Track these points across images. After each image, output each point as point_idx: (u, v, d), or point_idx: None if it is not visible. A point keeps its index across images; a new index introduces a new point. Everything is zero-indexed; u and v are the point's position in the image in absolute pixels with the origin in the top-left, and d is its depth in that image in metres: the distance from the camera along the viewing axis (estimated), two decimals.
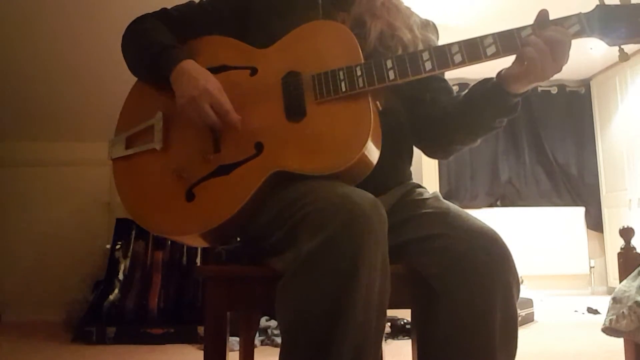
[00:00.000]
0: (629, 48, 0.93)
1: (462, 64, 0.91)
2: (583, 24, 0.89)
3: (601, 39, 0.90)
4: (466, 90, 1.04)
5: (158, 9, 1.15)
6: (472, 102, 1.02)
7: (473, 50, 0.90)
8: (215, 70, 1.03)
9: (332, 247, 0.74)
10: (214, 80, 0.99)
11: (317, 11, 1.06)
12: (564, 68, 0.90)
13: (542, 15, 0.91)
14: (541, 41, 0.87)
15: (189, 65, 1.01)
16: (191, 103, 0.97)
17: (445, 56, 0.91)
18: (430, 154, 1.19)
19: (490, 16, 3.56)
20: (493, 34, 0.90)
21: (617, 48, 0.94)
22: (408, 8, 1.16)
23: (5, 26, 3.18)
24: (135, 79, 1.13)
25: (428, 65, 0.92)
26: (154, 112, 1.05)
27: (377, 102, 0.96)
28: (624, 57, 0.94)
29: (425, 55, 0.92)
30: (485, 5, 3.54)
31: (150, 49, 1.04)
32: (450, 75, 1.06)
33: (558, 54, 0.87)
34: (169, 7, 1.15)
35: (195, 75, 0.99)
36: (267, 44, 1.03)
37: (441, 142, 1.14)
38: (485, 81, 0.99)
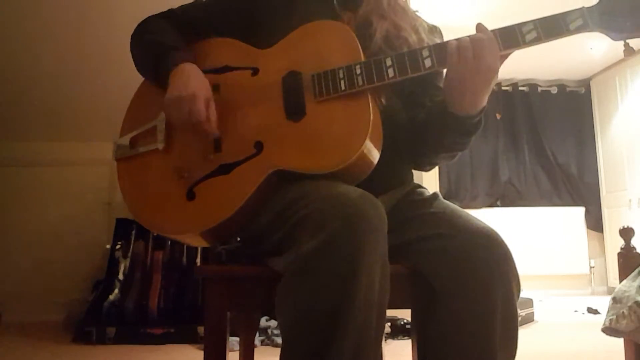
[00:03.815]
0: (633, 44, 0.90)
1: None
2: (586, 18, 0.88)
3: (605, 33, 0.88)
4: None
5: (158, 10, 1.15)
6: (429, 119, 1.02)
7: None
8: (218, 71, 1.04)
9: (332, 247, 0.74)
10: (205, 88, 0.99)
11: (322, 11, 1.06)
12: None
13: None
14: (467, 39, 0.89)
15: (188, 67, 1.01)
16: (174, 102, 0.97)
17: (444, 53, 0.90)
18: (408, 159, 1.14)
19: (494, 16, 3.55)
20: (493, 30, 0.90)
21: (617, 47, 0.92)
22: (415, 11, 1.16)
23: (6, 26, 3.18)
24: (139, 82, 1.13)
25: (427, 63, 0.91)
26: (157, 113, 1.06)
27: (378, 101, 0.96)
28: (629, 51, 0.92)
29: (425, 53, 0.92)
30: (489, 5, 3.54)
31: (155, 50, 1.05)
32: None
33: (478, 50, 0.87)
34: (172, 7, 1.16)
35: (187, 77, 0.99)
36: (271, 44, 1.04)
37: (414, 150, 1.11)
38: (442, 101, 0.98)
